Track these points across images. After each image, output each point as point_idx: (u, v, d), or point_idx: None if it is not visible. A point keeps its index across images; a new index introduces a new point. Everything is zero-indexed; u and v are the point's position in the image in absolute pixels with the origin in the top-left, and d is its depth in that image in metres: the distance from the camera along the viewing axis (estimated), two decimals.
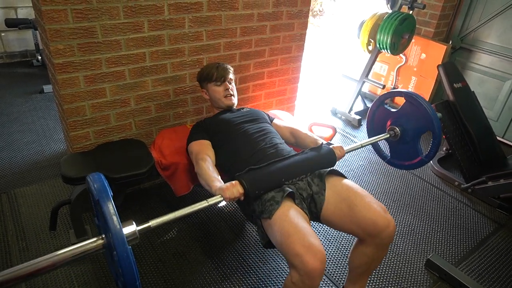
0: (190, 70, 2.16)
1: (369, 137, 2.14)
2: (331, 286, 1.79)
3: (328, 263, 1.92)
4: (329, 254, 1.98)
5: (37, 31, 3.87)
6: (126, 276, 0.98)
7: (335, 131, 2.36)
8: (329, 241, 2.06)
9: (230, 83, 1.93)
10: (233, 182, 1.39)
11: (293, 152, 1.67)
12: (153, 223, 1.19)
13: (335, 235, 2.10)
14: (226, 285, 1.76)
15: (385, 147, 2.17)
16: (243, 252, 1.95)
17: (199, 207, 1.28)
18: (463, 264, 2.01)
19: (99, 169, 1.75)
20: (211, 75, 1.89)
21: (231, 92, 1.92)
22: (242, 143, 1.71)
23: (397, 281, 1.86)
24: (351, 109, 3.48)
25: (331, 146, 1.65)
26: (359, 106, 3.63)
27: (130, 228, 1.10)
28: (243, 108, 1.99)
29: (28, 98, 3.37)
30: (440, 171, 2.76)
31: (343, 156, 1.67)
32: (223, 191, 1.36)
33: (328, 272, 1.87)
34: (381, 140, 1.98)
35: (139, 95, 2.03)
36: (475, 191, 2.52)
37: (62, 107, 1.87)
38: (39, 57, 4.05)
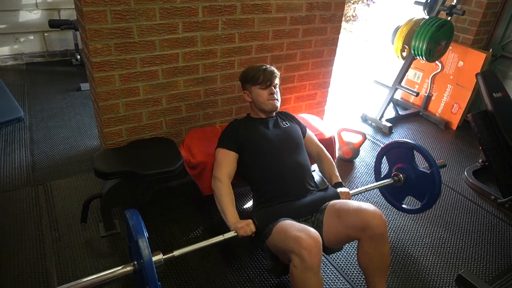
0: (221, 72, 2.18)
1: (376, 181, 2.22)
2: None
3: (353, 273, 1.88)
4: (352, 265, 1.94)
5: (77, 32, 4.05)
6: None
7: (364, 138, 2.33)
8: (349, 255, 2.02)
9: (275, 88, 1.86)
10: (247, 221, 1.58)
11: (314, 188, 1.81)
12: (176, 252, 1.40)
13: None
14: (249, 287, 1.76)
15: None
16: None
17: (216, 240, 1.50)
18: (498, 282, 1.90)
19: (130, 165, 1.79)
20: (257, 77, 1.82)
21: (275, 97, 1.85)
22: (275, 173, 1.75)
23: None
24: (382, 116, 3.40)
25: (338, 190, 1.76)
26: (390, 113, 3.54)
27: (157, 257, 1.31)
28: (283, 121, 1.94)
29: (66, 95, 3.52)
30: (475, 184, 2.64)
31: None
32: (238, 229, 1.54)
33: (354, 282, 1.83)
34: (386, 185, 2.03)
35: (170, 94, 2.07)
36: None
37: (97, 104, 1.94)
38: (78, 57, 4.23)
